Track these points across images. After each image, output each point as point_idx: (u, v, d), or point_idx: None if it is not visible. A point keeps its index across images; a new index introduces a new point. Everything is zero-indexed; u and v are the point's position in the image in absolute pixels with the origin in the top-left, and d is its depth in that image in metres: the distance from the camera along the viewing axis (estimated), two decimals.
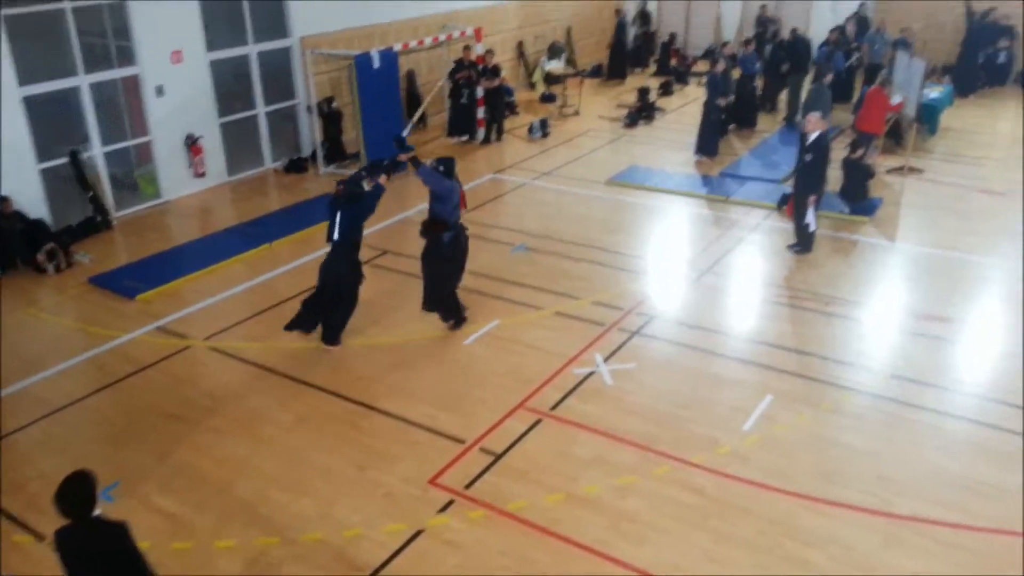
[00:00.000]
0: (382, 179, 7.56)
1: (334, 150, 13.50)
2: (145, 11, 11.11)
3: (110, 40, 11.21)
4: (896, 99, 12.54)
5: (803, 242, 9.72)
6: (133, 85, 11.40)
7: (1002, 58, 17.18)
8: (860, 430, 6.53)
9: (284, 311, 8.65)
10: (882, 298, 8.76)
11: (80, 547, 3.72)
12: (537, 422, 6.71)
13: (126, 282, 9.29)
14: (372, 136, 12.55)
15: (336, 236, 7.48)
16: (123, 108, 11.58)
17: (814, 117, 9.55)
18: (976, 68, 17.13)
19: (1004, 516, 5.58)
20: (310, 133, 13.69)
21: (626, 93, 17.72)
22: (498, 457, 6.28)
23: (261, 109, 13.13)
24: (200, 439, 6.61)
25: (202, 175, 12.27)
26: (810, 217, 9.54)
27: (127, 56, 11.22)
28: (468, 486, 5.97)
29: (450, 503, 5.81)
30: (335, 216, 7.47)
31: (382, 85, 12.63)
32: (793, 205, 9.89)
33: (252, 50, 12.72)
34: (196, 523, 5.67)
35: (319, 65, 13.40)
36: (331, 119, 13.39)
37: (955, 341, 7.85)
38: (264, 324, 8.46)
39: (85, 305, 8.93)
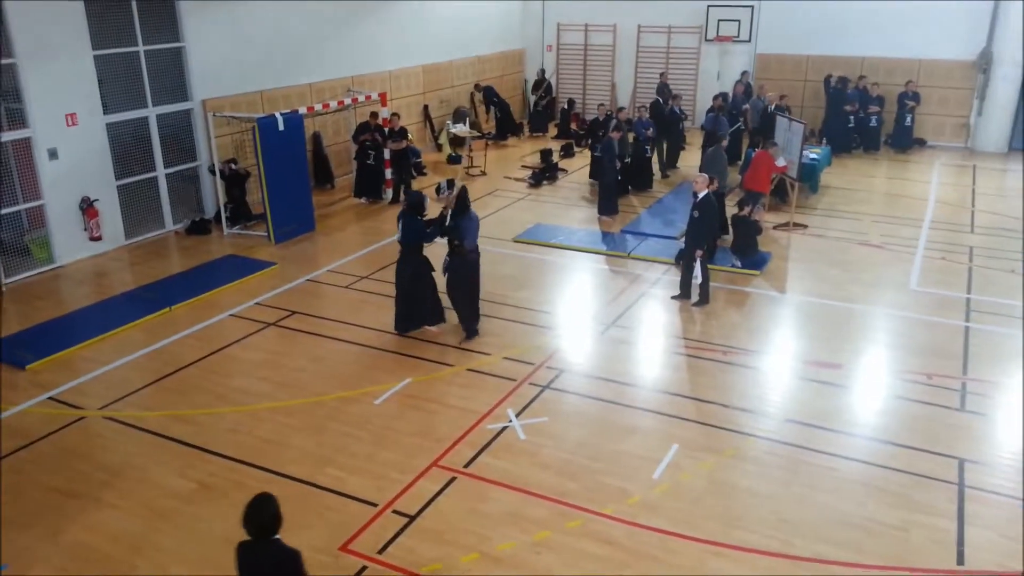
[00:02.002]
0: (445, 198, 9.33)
1: (239, 211, 13.32)
2: (38, 73, 10.83)
3: None
4: (781, 162, 13.40)
5: (701, 295, 10.17)
6: (24, 148, 11.00)
7: (873, 122, 18.65)
8: (761, 475, 6.80)
9: (185, 377, 8.41)
10: (776, 346, 9.22)
11: (255, 563, 4.24)
12: (451, 481, 6.70)
13: (15, 351, 8.84)
14: (277, 197, 12.47)
15: (398, 238, 9.09)
16: (14, 171, 11.15)
17: (701, 178, 10.14)
18: (847, 131, 18.50)
19: (893, 552, 5.89)
20: (214, 194, 13.49)
21: (529, 155, 18.23)
22: (412, 519, 6.23)
23: (161, 171, 12.87)
24: (95, 516, 6.29)
25: (98, 239, 11.87)
26: (697, 270, 10.03)
27: (18, 118, 10.86)
28: (381, 551, 5.88)
29: (363, 569, 5.71)
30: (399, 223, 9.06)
31: (287, 147, 12.59)
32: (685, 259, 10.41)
33: (151, 112, 12.52)
34: None
35: (222, 127, 13.28)
36: (235, 180, 13.23)
37: (845, 386, 8.31)
38: (164, 391, 8.17)
39: None
